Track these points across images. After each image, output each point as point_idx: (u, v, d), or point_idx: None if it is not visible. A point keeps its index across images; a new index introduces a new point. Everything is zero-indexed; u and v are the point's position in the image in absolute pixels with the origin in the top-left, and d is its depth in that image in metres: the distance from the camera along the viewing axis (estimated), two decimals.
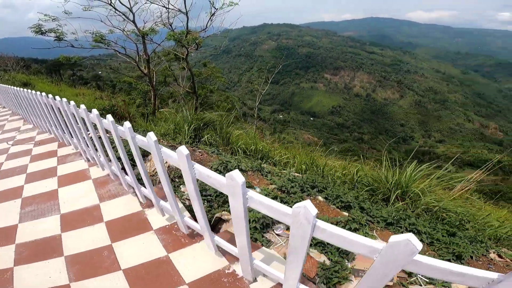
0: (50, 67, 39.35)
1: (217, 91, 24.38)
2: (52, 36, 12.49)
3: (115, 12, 12.68)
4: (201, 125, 5.59)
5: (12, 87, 7.89)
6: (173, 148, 4.75)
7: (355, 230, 2.78)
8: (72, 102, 3.27)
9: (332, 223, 3.07)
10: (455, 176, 4.75)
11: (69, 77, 38.76)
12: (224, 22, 12.37)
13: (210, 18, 11.16)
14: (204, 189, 3.24)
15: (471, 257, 2.60)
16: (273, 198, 3.21)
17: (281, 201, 3.18)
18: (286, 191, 3.47)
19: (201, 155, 4.18)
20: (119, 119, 13.20)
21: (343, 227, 2.85)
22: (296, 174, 5.33)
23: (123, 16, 12.87)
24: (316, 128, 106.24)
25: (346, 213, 3.27)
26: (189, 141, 5.60)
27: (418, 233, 2.87)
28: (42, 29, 12.15)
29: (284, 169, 5.94)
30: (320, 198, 3.53)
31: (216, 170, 3.68)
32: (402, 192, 4.00)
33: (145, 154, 4.13)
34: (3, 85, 8.67)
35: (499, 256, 2.88)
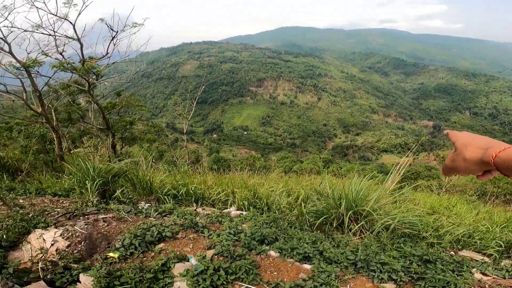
0: None
1: (140, 120, 22.25)
2: None
3: None
4: (110, 178, 4.36)
5: None
6: (71, 215, 3.46)
7: None
8: None
9: None
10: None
11: None
12: (132, 45, 11.03)
13: (111, 42, 9.74)
14: (115, 277, 2.22)
15: None
16: (214, 272, 2.34)
17: (226, 273, 2.37)
18: (229, 256, 2.64)
19: (107, 225, 3.05)
20: (13, 173, 10.39)
21: None
22: (240, 212, 4.56)
23: None
24: (251, 141, 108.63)
25: (308, 266, 2.66)
26: (95, 201, 4.29)
27: (394, 272, 2.43)
28: None
29: (225, 208, 5.10)
30: (272, 253, 2.84)
31: (130, 245, 2.66)
32: (354, 212, 3.72)
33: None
34: None
35: (484, 274, 2.59)
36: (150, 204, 4.63)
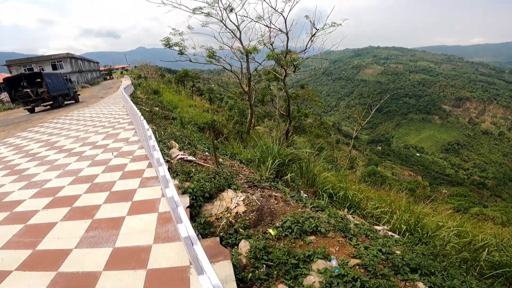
0: (178, 78, 47.11)
1: (312, 114, 23.77)
2: (176, 50, 14.54)
3: (225, 29, 13.94)
4: (286, 161, 5.05)
5: (127, 97, 9.19)
6: (251, 184, 4.32)
7: None
8: (146, 125, 3.30)
9: None
10: None
11: (190, 88, 45.20)
12: (325, 44, 11.86)
13: (310, 39, 10.85)
14: (267, 252, 2.63)
15: None
16: (351, 280, 2.33)
17: (361, 286, 2.31)
18: (372, 272, 2.52)
19: (276, 203, 3.59)
20: (217, 134, 14.17)
21: None
22: (391, 234, 4.17)
23: (232, 34, 14.01)
24: (422, 165, 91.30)
25: None
26: (270, 178, 5.12)
27: None
28: (170, 42, 14.33)
29: (376, 224, 4.80)
30: (421, 285, 2.52)
31: (288, 228, 3.02)
32: None
33: (211, 195, 3.74)
34: (127, 95, 10.34)
35: None
36: (307, 195, 5.02)
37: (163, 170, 1.76)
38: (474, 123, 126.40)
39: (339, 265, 2.56)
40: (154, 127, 8.14)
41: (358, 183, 7.19)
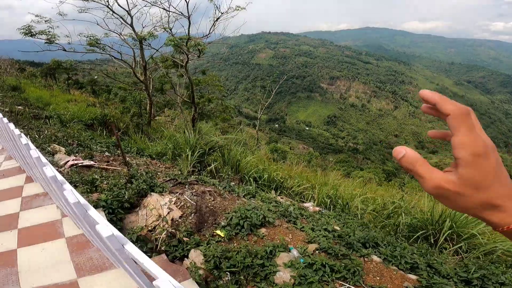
0: (45, 71, 38.11)
1: (215, 99, 23.57)
2: (42, 39, 11.74)
3: (112, 15, 11.91)
4: (207, 150, 4.64)
5: None
6: (175, 182, 3.76)
7: None
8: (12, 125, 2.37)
9: None
10: None
11: (64, 81, 37.57)
12: (226, 28, 11.66)
13: (214, 23, 10.36)
14: (226, 258, 2.30)
15: None
16: (320, 267, 2.30)
17: (331, 270, 2.31)
18: (333, 254, 2.56)
19: (213, 199, 3.21)
20: (110, 130, 12.14)
21: None
22: (319, 209, 4.45)
23: (121, 20, 12.09)
24: (311, 138, 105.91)
25: (413, 276, 2.49)
26: (195, 171, 4.61)
27: None
28: (32, 30, 11.42)
29: (303, 202, 5.05)
30: (375, 258, 2.71)
31: (237, 225, 2.74)
32: (452, 232, 3.56)
33: (133, 205, 3.13)
34: None
35: None
36: (234, 183, 4.80)
37: (73, 194, 1.15)
38: (344, 98, 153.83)
39: (300, 254, 2.48)
40: (22, 130, 6.22)
41: (273, 162, 7.46)
